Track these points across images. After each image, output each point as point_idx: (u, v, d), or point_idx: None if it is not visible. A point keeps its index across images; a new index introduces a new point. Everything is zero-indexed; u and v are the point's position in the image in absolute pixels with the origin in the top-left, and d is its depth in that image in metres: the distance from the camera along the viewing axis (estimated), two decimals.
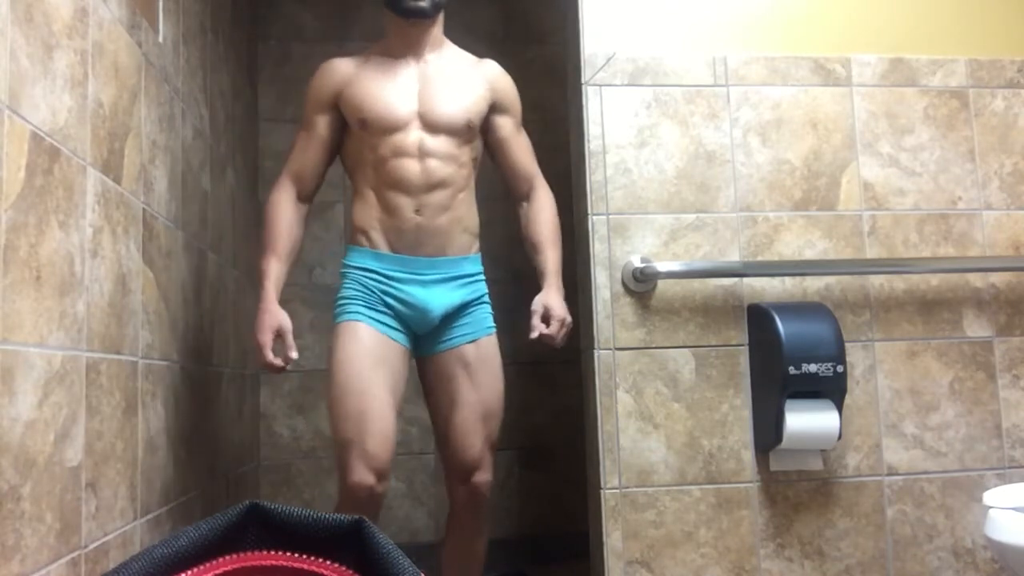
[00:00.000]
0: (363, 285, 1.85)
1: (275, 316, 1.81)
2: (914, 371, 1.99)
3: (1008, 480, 1.98)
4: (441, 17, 1.94)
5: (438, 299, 1.86)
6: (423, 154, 1.84)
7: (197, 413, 2.08)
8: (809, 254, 2.00)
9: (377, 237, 1.87)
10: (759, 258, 1.98)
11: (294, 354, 1.82)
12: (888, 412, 1.97)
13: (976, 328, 2.02)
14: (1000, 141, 2.09)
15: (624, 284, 1.93)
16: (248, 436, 2.86)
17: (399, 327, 1.85)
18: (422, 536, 3.12)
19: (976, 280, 2.03)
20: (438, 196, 1.85)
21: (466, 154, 1.90)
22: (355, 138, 1.90)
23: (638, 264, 1.91)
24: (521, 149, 2.00)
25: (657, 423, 1.91)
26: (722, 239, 1.97)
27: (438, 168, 1.85)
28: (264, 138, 3.20)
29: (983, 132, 2.08)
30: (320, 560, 1.01)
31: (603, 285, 1.93)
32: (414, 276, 1.86)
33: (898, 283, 2.01)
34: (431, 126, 1.85)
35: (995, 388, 2.01)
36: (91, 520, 1.35)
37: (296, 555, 1.01)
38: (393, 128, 1.84)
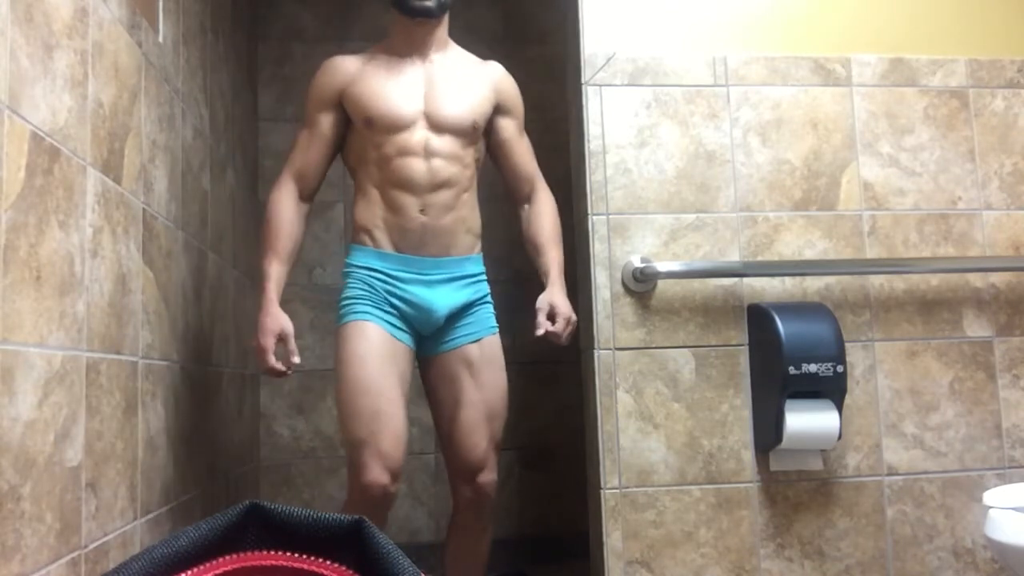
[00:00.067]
0: (368, 285, 1.84)
1: (277, 320, 1.80)
2: (914, 371, 1.99)
3: (1008, 480, 1.98)
4: (446, 18, 1.94)
5: (443, 299, 1.86)
6: (428, 154, 1.84)
7: (197, 413, 2.08)
8: (809, 254, 2.00)
9: (381, 236, 1.87)
10: (759, 258, 1.98)
11: (296, 359, 1.80)
12: (888, 412, 1.97)
13: (976, 328, 2.02)
14: (1000, 141, 2.09)
15: (624, 284, 1.93)
16: (248, 436, 2.86)
17: (404, 327, 1.85)
18: (422, 536, 3.12)
19: (976, 280, 2.03)
20: (443, 196, 1.85)
21: (470, 155, 1.91)
22: (358, 136, 1.89)
23: (638, 264, 1.91)
24: (523, 151, 2.00)
25: (657, 423, 1.91)
26: (722, 239, 1.97)
27: (443, 168, 1.85)
28: (264, 138, 3.19)
29: (983, 132, 2.08)
30: (320, 560, 1.01)
31: (603, 285, 1.93)
32: (419, 276, 1.85)
33: (898, 283, 2.01)
34: (437, 126, 1.85)
35: (995, 388, 2.01)
36: (91, 520, 1.35)
37: (296, 555, 1.01)
38: (399, 127, 1.84)
